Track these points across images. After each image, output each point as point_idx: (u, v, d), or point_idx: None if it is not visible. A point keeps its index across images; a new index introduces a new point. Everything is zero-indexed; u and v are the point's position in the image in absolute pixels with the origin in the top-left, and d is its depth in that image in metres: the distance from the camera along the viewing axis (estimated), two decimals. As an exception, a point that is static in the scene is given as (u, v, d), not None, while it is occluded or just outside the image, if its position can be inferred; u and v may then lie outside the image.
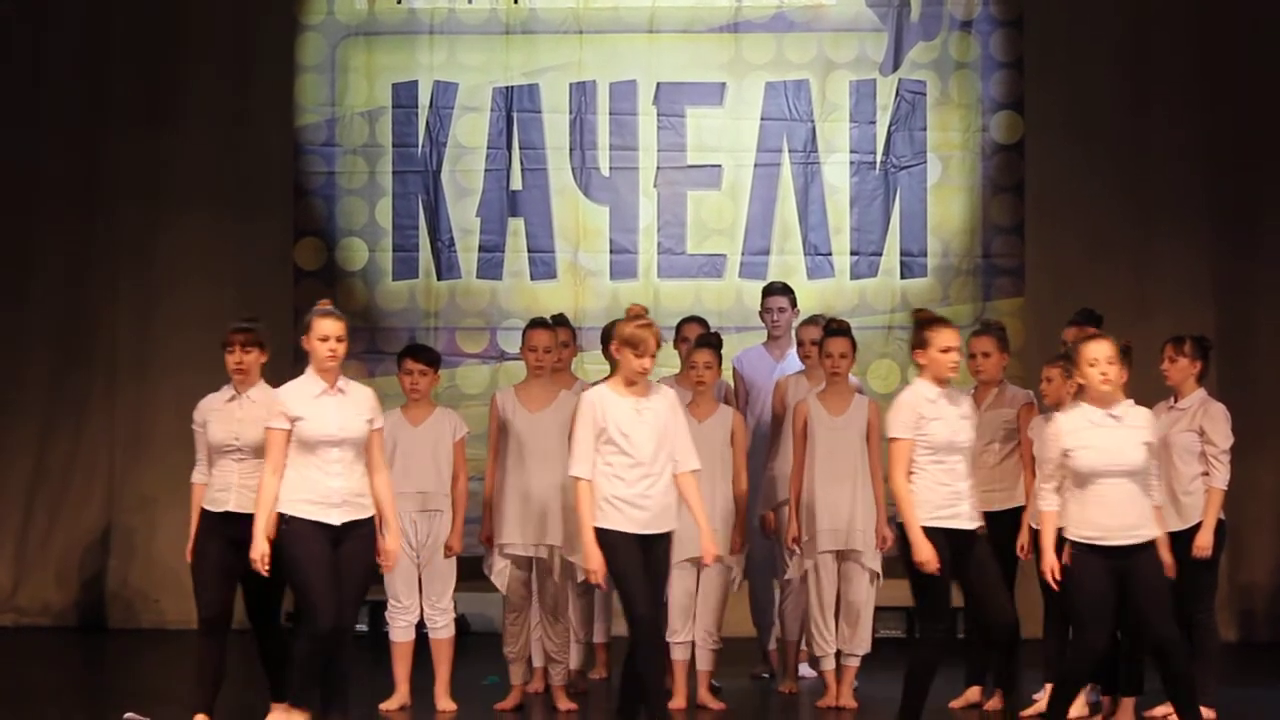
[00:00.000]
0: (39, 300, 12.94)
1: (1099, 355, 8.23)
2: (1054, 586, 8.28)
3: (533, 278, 12.71)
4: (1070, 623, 8.59)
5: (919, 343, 8.46)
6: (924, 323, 8.49)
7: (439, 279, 12.67)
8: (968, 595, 8.49)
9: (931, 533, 8.27)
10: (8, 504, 12.92)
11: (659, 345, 8.37)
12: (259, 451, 8.37)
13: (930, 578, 8.26)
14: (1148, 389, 9.67)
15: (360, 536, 8.25)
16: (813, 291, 12.50)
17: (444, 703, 9.37)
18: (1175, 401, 9.35)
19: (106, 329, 12.78)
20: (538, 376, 9.61)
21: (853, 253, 12.58)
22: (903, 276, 12.57)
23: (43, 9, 13.00)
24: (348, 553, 8.21)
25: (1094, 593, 8.20)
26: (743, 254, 12.63)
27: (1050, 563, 8.23)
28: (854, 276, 12.58)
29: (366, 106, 12.77)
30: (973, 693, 9.84)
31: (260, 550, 8.12)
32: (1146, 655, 8.63)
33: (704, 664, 9.66)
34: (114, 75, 12.94)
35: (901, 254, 12.57)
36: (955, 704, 9.81)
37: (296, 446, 8.22)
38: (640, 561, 8.30)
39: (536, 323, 9.80)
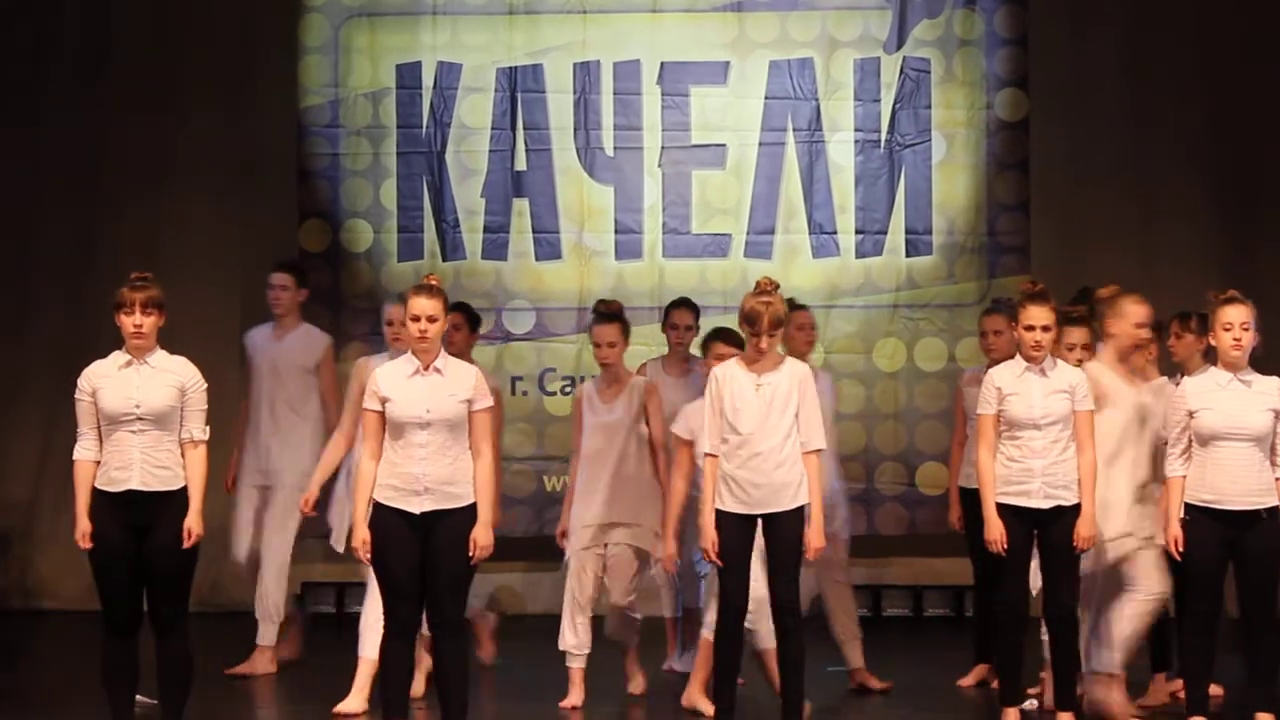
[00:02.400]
0: (45, 284, 12.92)
1: (1234, 319, 8.23)
2: (1176, 556, 8.28)
3: (538, 258, 12.66)
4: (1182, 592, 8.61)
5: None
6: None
7: (444, 260, 12.61)
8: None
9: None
10: (16, 488, 12.89)
11: (777, 323, 8.25)
12: (161, 421, 7.87)
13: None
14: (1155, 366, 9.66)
15: (450, 527, 7.81)
16: (818, 270, 12.48)
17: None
18: (1181, 378, 9.34)
19: (112, 312, 12.77)
20: (678, 352, 10.03)
21: (858, 231, 12.52)
22: (908, 255, 12.50)
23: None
24: (438, 545, 7.81)
25: (1204, 560, 8.22)
26: (748, 233, 12.57)
27: (1175, 532, 8.24)
28: (859, 255, 12.52)
29: (370, 88, 12.71)
30: (981, 670, 9.84)
31: (361, 537, 7.82)
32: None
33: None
34: (117, 59, 12.90)
35: (907, 232, 12.50)
36: (964, 682, 9.82)
37: (388, 429, 7.86)
38: (743, 546, 8.25)
39: (681, 302, 10.31)
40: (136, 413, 7.88)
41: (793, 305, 9.61)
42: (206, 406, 8.08)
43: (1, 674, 10.31)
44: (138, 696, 8.15)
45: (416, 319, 7.92)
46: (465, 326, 9.95)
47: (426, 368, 7.93)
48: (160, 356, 8.04)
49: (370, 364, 8.94)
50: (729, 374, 8.33)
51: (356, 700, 8.91)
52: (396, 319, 9.08)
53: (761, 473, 8.21)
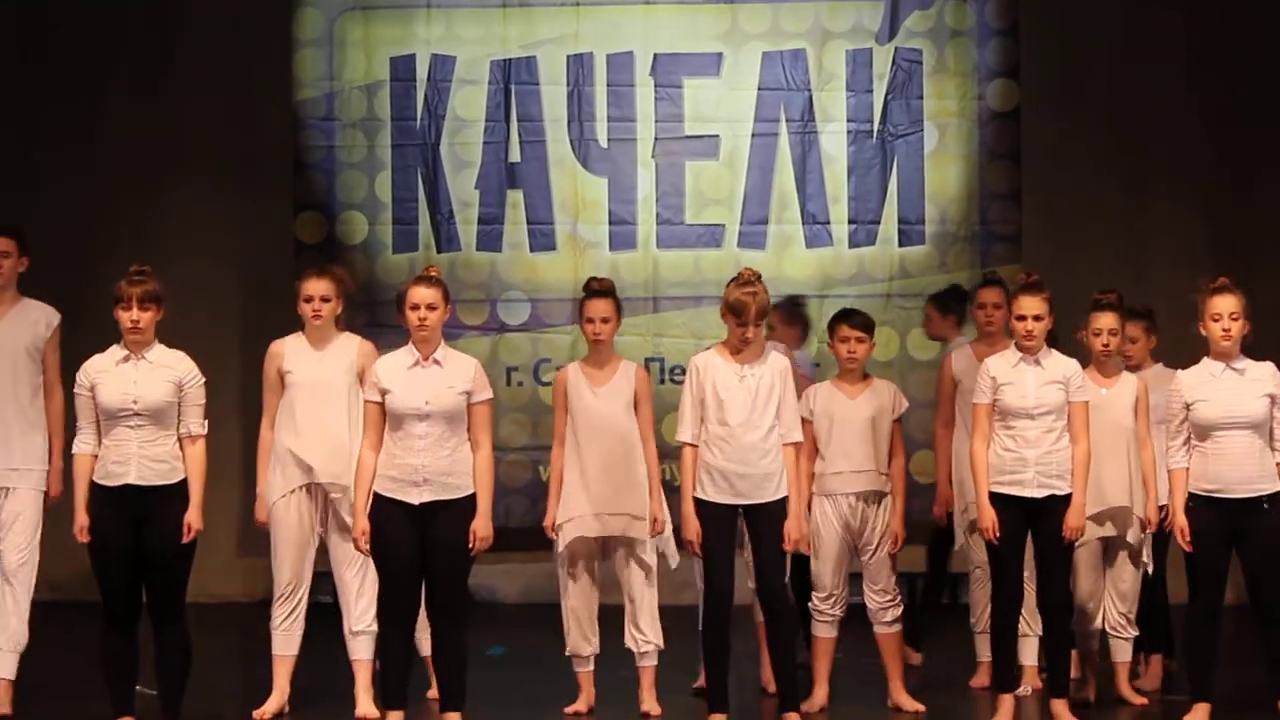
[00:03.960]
0: (39, 275, 12.83)
1: (1223, 309, 8.23)
2: (1186, 547, 8.28)
3: (532, 249, 12.64)
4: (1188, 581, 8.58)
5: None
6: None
7: (439, 252, 12.59)
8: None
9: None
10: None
11: (764, 313, 8.18)
12: (158, 417, 7.83)
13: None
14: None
15: (449, 518, 7.81)
16: (811, 260, 12.48)
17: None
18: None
19: (107, 304, 12.73)
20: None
21: (851, 221, 12.51)
22: (901, 244, 12.50)
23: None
24: (437, 535, 7.82)
25: (1208, 548, 8.23)
26: (741, 224, 12.56)
27: (1180, 522, 8.25)
28: (852, 245, 12.51)
29: (365, 81, 12.68)
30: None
31: (360, 528, 7.85)
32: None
33: (1120, 655, 8.98)
34: (114, 50, 12.87)
35: (899, 222, 12.50)
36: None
37: (388, 421, 7.85)
38: (728, 535, 8.18)
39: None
40: (134, 408, 7.86)
41: (990, 280, 9.64)
42: (204, 401, 8.04)
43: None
44: (137, 687, 8.13)
45: (416, 308, 7.93)
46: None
47: (426, 359, 7.94)
48: (158, 351, 8.00)
49: (283, 346, 8.70)
50: (710, 364, 8.26)
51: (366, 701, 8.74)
52: (317, 294, 8.65)
53: (747, 463, 8.18)
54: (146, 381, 7.89)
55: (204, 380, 8.04)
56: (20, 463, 8.78)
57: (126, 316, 7.94)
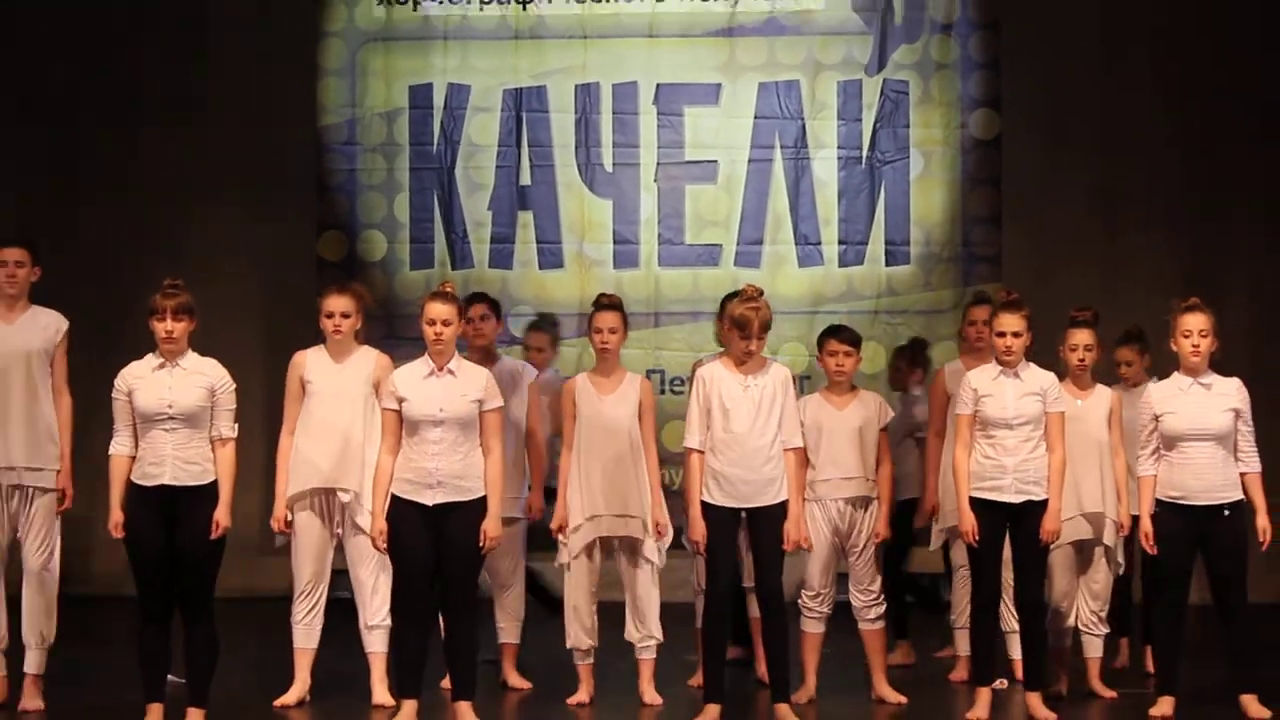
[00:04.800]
0: (71, 295, 12.93)
1: (1193, 326, 8.34)
2: (1150, 550, 8.41)
3: (541, 267, 12.79)
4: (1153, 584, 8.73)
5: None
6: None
7: (453, 268, 12.74)
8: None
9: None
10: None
11: (766, 327, 8.28)
12: (192, 420, 7.89)
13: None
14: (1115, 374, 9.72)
15: (461, 519, 7.94)
16: (803, 278, 12.62)
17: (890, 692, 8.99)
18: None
19: (140, 318, 12.83)
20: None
21: (840, 242, 12.65)
22: (887, 264, 12.64)
23: (73, 16, 13.05)
24: (449, 535, 7.94)
25: (1173, 552, 8.34)
26: (737, 244, 12.70)
27: (1146, 528, 8.37)
28: (842, 264, 12.65)
29: (385, 108, 12.84)
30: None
31: (379, 528, 7.98)
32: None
33: (1092, 651, 9.03)
34: (151, 81, 12.97)
35: (886, 243, 12.64)
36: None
37: (405, 427, 7.98)
38: (729, 538, 8.27)
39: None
40: (169, 412, 7.90)
41: (980, 299, 9.67)
42: (235, 406, 8.14)
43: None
44: (169, 676, 8.22)
45: (432, 323, 8.04)
46: (492, 316, 9.42)
47: (441, 369, 8.06)
48: (191, 359, 8.06)
49: (305, 357, 8.82)
50: (715, 375, 8.32)
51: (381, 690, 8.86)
52: (338, 310, 8.76)
53: (751, 468, 8.24)
54: (181, 387, 7.97)
55: (234, 386, 8.13)
56: (36, 463, 8.78)
57: (161, 327, 8.02)
